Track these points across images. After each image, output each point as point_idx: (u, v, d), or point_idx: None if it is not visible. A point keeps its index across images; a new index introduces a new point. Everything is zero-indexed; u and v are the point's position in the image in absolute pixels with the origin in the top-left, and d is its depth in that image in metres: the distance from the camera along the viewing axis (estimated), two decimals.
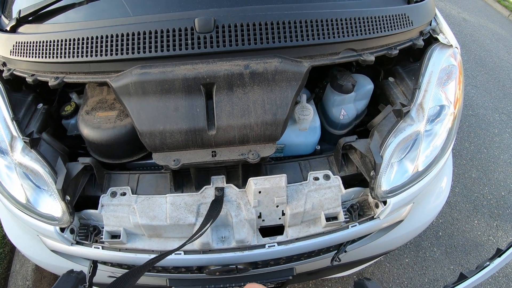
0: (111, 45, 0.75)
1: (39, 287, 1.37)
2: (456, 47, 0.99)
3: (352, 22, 0.80)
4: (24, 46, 0.85)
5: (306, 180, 0.80)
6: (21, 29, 0.92)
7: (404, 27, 0.89)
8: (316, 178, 0.80)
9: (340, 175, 0.83)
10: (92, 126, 0.83)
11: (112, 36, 0.75)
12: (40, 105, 0.93)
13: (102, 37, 0.76)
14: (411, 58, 1.04)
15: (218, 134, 0.72)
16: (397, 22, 0.88)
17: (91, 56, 0.76)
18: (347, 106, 0.90)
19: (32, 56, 0.83)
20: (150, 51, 0.73)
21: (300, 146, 0.89)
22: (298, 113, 0.84)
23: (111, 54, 0.75)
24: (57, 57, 0.80)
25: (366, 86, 0.91)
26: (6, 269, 1.41)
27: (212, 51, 0.73)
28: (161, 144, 0.73)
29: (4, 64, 0.92)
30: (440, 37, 0.99)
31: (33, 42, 0.83)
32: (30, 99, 0.93)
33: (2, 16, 1.01)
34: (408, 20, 0.91)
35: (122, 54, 0.74)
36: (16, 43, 0.87)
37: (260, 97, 0.73)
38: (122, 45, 0.75)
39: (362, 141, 0.83)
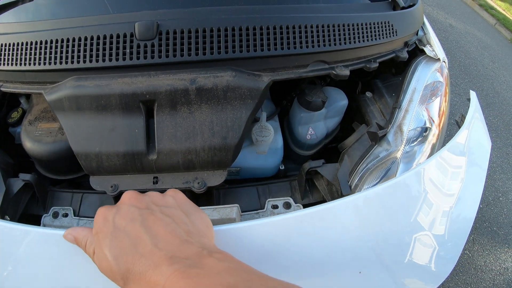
0: (45, 53, 0.66)
1: None
2: (444, 61, 0.86)
3: (325, 29, 0.69)
4: None
5: (264, 208, 0.72)
6: None
7: (386, 37, 0.77)
8: (275, 207, 0.72)
9: (303, 202, 0.75)
10: (33, 139, 0.75)
11: (46, 42, 0.66)
12: None
13: (36, 43, 0.67)
14: (394, 70, 0.91)
15: (159, 159, 0.64)
16: (378, 31, 0.76)
17: (25, 64, 0.68)
18: (315, 125, 0.79)
19: None
20: (84, 61, 0.64)
21: (258, 169, 0.79)
22: (256, 134, 0.75)
23: (45, 64, 0.66)
24: None
25: (339, 101, 0.80)
26: None
27: (153, 62, 0.63)
28: (98, 167, 0.65)
29: None
30: (426, 49, 0.86)
31: None
32: None
33: None
34: (392, 29, 0.79)
35: (55, 64, 0.65)
36: None
37: (208, 118, 0.64)
38: (56, 53, 0.66)
39: (329, 166, 0.73)
